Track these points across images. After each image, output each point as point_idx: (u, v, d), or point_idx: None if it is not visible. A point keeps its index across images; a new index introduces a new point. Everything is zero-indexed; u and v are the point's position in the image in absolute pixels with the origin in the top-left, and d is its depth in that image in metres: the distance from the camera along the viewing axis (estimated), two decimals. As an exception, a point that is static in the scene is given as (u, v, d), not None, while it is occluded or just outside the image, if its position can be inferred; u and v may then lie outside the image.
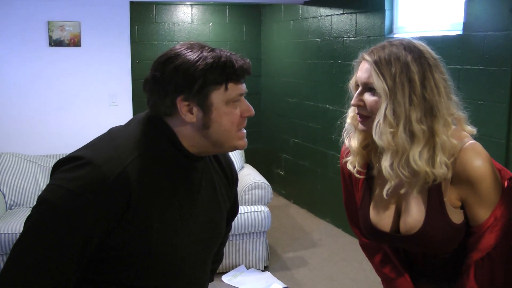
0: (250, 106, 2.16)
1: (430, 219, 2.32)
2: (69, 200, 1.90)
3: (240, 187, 6.17)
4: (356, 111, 2.37)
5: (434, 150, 2.24)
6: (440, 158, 2.23)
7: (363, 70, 2.32)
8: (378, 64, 2.26)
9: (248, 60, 2.12)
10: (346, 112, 2.55)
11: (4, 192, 6.17)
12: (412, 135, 2.24)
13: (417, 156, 2.23)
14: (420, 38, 2.37)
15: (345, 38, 7.07)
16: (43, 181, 6.36)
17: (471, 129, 2.37)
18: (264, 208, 6.10)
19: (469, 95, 4.97)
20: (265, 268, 6.20)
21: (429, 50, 2.34)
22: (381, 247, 2.70)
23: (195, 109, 2.04)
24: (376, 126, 2.26)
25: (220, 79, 2.03)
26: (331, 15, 7.36)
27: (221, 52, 2.06)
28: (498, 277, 2.35)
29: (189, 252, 2.19)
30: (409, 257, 2.65)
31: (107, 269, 2.07)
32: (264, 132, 9.60)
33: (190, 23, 8.97)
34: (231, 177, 2.50)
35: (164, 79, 2.03)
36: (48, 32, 6.93)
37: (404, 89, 2.22)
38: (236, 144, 2.15)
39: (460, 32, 5.18)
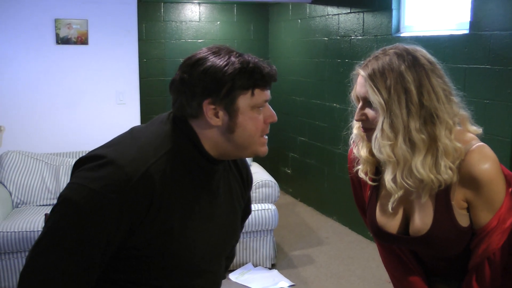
0: (274, 112, 2.18)
1: (437, 222, 2.32)
2: (92, 200, 1.91)
3: (247, 185, 6.19)
4: (361, 125, 2.39)
5: (437, 156, 2.24)
6: (444, 163, 2.23)
7: (361, 84, 2.33)
8: (372, 78, 2.26)
9: (274, 66, 2.15)
10: (351, 122, 2.56)
11: (11, 190, 6.19)
12: (412, 145, 2.24)
13: (420, 165, 2.23)
14: (427, 38, 2.37)
15: (352, 37, 7.07)
16: (50, 180, 6.37)
17: (476, 129, 2.37)
18: (271, 206, 6.11)
19: (475, 94, 4.97)
20: (272, 266, 6.21)
21: (425, 54, 2.33)
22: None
23: (221, 113, 2.06)
24: (374, 140, 2.27)
25: (248, 85, 2.05)
26: (338, 14, 7.36)
27: (249, 58, 2.08)
28: (497, 280, 2.37)
29: (208, 252, 2.21)
30: (418, 257, 2.65)
31: (128, 268, 2.09)
32: (271, 131, 9.43)
33: (197, 21, 8.98)
34: (247, 179, 2.56)
35: (192, 81, 2.05)
36: (55, 30, 6.94)
37: (401, 100, 2.22)
38: (258, 150, 2.18)
39: (466, 32, 5.18)
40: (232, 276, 5.91)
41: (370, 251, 6.58)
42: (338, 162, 7.57)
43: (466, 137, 2.32)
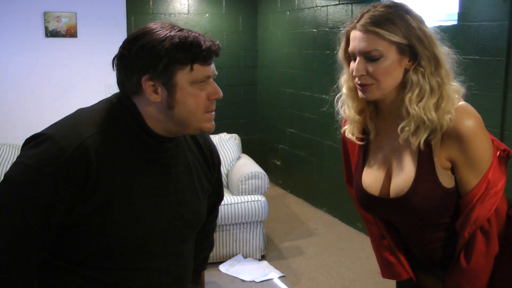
0: (218, 88, 2.13)
1: (419, 180, 2.32)
2: (27, 174, 1.94)
3: (237, 177, 6.23)
4: (358, 81, 2.35)
5: (442, 99, 2.26)
6: (445, 105, 2.25)
7: (360, 39, 2.32)
8: (380, 25, 2.26)
9: (217, 42, 2.11)
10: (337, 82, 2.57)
11: (1, 182, 6.18)
12: (431, 89, 2.27)
13: (433, 107, 2.25)
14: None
15: (341, 29, 7.02)
16: (41, 172, 6.36)
17: (459, 87, 2.40)
18: (261, 198, 6.13)
19: (463, 85, 4.99)
20: (262, 258, 6.22)
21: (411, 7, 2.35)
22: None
23: (160, 89, 2.04)
24: (406, 98, 2.28)
25: (186, 59, 2.02)
26: (327, 5, 7.37)
27: (189, 33, 2.05)
28: (491, 254, 2.34)
29: (159, 232, 2.17)
30: (405, 240, 2.65)
31: (76, 250, 2.08)
32: (261, 123, 9.62)
33: (186, 14, 8.96)
34: (212, 160, 2.49)
35: (130, 57, 2.04)
36: (44, 23, 6.95)
37: (417, 46, 2.26)
38: (203, 126, 2.13)
39: (455, 22, 5.22)
40: (222, 267, 5.93)
41: (359, 242, 6.60)
42: (327, 154, 7.58)
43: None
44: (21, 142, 6.33)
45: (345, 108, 2.53)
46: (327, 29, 7.39)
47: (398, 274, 2.66)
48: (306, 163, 8.24)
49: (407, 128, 2.30)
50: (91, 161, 1.97)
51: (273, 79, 9.09)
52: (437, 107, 2.25)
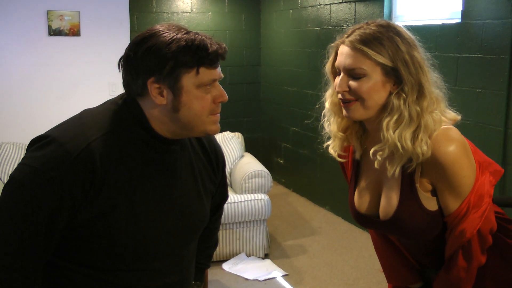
0: (224, 91, 2.13)
1: (402, 205, 2.31)
2: (33, 177, 1.94)
3: (240, 176, 6.24)
4: (341, 97, 2.34)
5: (418, 129, 2.21)
6: (422, 136, 2.20)
7: (346, 55, 2.29)
8: (368, 44, 2.23)
9: (224, 45, 2.10)
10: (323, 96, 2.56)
11: (5, 181, 6.18)
12: (409, 117, 2.22)
13: (409, 137, 2.20)
14: (419, 27, 2.36)
15: (344, 27, 7.07)
16: (44, 171, 6.36)
17: (454, 115, 2.36)
18: (264, 196, 6.13)
19: (467, 84, 4.98)
20: (265, 256, 6.22)
21: (405, 29, 2.31)
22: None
23: (165, 92, 2.04)
24: (384, 121, 2.25)
25: (192, 63, 2.01)
26: (330, 3, 7.36)
27: (196, 35, 2.04)
28: (471, 270, 2.34)
29: (165, 233, 2.18)
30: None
31: (80, 251, 2.09)
32: (264, 121, 9.62)
33: (189, 12, 8.96)
34: (216, 161, 2.48)
35: (137, 59, 2.04)
36: (48, 21, 6.95)
37: (402, 70, 2.22)
38: (208, 129, 2.13)
39: (458, 21, 5.19)
40: (225, 266, 5.93)
41: (363, 240, 6.60)
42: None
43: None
44: (24, 141, 6.35)
45: (328, 123, 2.54)
46: (330, 27, 7.39)
47: (411, 279, 2.67)
48: (309, 162, 8.23)
49: (380, 153, 2.28)
50: (96, 165, 1.97)
51: (276, 77, 9.08)
52: (414, 137, 2.21)
